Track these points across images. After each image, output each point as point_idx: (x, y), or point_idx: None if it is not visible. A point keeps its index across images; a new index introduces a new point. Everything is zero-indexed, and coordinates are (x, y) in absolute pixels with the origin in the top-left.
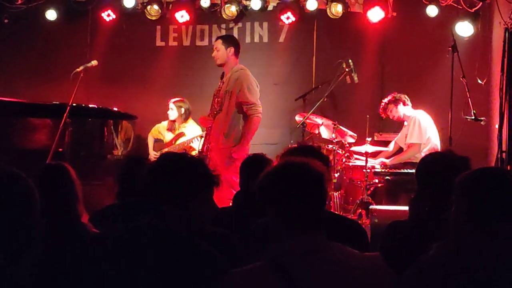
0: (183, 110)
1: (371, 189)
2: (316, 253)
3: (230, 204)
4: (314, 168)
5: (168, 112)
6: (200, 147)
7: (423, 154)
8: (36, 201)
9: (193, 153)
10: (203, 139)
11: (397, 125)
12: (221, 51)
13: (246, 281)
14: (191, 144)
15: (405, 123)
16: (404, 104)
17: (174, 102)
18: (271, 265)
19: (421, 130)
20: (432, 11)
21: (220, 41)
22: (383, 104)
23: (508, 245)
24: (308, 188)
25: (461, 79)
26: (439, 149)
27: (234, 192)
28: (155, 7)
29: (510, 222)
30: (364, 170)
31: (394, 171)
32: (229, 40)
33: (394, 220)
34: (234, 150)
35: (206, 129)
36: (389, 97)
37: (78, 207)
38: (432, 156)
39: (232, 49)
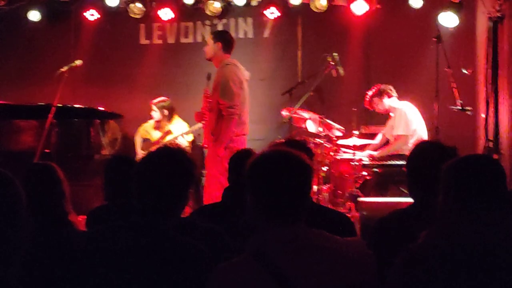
0: (166, 111)
1: (360, 182)
2: (297, 240)
3: None
4: (299, 159)
5: (152, 114)
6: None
7: (410, 146)
8: (22, 202)
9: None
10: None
11: (384, 117)
12: (209, 46)
13: (232, 274)
14: (177, 141)
15: (391, 114)
16: (389, 96)
17: (155, 104)
18: (255, 256)
19: (408, 122)
20: (416, 2)
21: (211, 35)
22: (367, 97)
23: (495, 229)
24: (291, 177)
25: (446, 69)
26: None
27: None
28: (138, 5)
29: (497, 208)
30: (352, 163)
31: (382, 163)
32: (218, 35)
33: (383, 212)
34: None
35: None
36: (373, 90)
37: (66, 205)
38: (422, 146)
39: (219, 44)
